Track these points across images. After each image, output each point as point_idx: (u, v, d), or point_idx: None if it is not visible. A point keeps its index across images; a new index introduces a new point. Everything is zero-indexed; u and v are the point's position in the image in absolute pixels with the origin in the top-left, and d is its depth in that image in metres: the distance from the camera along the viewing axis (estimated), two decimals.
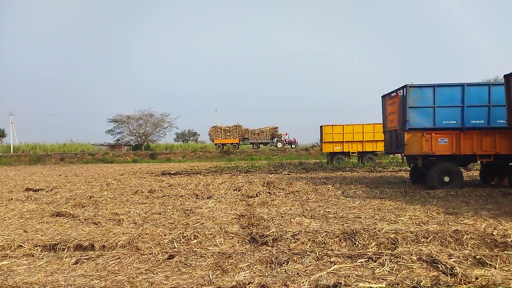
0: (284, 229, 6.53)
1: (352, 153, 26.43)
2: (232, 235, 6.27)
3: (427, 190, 10.96)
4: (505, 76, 9.82)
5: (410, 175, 13.75)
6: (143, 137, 54.85)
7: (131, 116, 54.08)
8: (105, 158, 42.64)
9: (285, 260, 4.78)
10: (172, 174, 20.90)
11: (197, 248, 5.56)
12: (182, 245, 5.78)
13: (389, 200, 9.82)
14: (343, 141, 26.08)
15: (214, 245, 5.80)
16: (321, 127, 27.36)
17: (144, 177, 18.99)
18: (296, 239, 5.82)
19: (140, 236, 6.19)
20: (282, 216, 7.81)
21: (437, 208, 8.37)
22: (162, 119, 55.05)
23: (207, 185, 13.68)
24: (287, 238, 5.87)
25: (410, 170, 14.07)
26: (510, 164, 11.83)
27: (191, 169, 25.02)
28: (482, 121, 11.27)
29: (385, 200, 9.84)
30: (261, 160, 35.85)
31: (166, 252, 5.30)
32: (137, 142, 55.84)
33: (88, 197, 11.31)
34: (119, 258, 5.10)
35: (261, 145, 47.09)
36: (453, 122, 11.36)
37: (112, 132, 55.97)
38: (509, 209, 8.18)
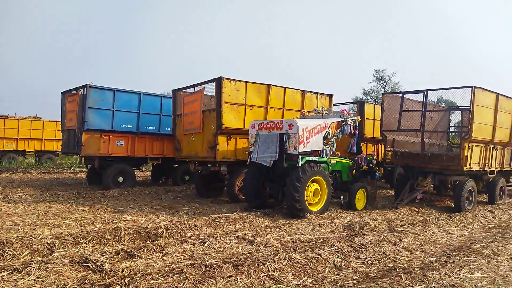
0: None
1: (28, 151, 23.29)
2: None
3: (101, 191, 11.16)
4: (172, 91, 11.55)
5: (87, 176, 13.62)
6: None
7: None
8: None
9: None
10: None
11: None
12: None
13: (59, 203, 9.28)
14: (17, 138, 22.51)
15: None
16: None
17: None
18: None
19: None
20: None
21: (106, 208, 8.66)
22: None
23: None
24: None
25: (87, 171, 13.93)
26: (174, 166, 13.99)
27: None
28: (154, 128, 12.75)
29: (54, 203, 9.21)
30: None
31: None
32: None
33: None
34: None
35: None
36: (130, 126, 12.21)
37: None
38: (168, 204, 9.59)
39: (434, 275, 4.69)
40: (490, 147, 10.42)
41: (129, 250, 5.22)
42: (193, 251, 5.43)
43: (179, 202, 9.99)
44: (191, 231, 6.75)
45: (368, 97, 40.38)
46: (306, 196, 8.11)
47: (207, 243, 5.78)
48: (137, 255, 5.08)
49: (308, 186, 8.12)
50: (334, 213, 8.65)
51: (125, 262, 4.82)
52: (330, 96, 12.08)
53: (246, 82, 10.00)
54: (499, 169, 11.07)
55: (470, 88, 9.41)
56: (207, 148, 10.06)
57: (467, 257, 5.49)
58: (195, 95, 10.34)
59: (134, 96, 12.38)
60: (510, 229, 7.54)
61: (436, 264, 5.09)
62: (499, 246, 6.17)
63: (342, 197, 9.25)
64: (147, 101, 12.61)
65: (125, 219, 7.58)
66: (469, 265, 5.16)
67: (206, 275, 4.26)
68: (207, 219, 7.46)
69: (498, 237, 6.81)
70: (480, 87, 9.53)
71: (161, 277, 4.16)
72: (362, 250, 5.66)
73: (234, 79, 9.80)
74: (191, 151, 10.75)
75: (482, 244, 6.20)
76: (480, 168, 10.20)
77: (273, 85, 10.45)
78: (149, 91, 12.90)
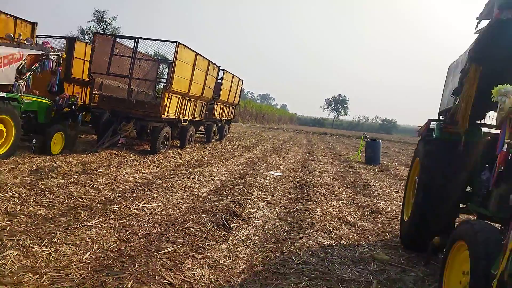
0: None
1: None
2: None
3: None
4: None
5: None
6: None
7: None
8: None
9: None
10: None
11: None
12: None
13: None
14: None
15: None
16: None
17: None
18: None
19: None
20: None
21: None
22: None
23: None
24: None
25: None
26: None
27: None
28: None
29: None
30: None
31: None
32: None
33: None
34: None
35: None
36: None
37: None
38: None
39: (115, 208, 5.04)
40: (185, 99, 12.01)
41: None
42: None
43: None
44: None
45: (86, 37, 37.39)
46: None
47: None
48: None
49: None
50: (21, 157, 7.64)
51: None
52: (34, 24, 10.20)
53: None
54: (191, 118, 13.01)
55: (175, 44, 10.37)
56: None
57: (149, 190, 6.22)
58: None
59: None
60: (190, 167, 9.10)
61: (119, 199, 5.48)
62: (177, 180, 7.32)
63: (34, 140, 8.29)
64: None
65: None
66: (149, 197, 5.87)
67: None
68: None
69: (179, 173, 8.07)
70: (183, 44, 10.63)
71: None
72: (45, 194, 5.33)
73: None
74: None
75: (164, 180, 7.18)
76: (176, 116, 11.64)
77: None
78: None
